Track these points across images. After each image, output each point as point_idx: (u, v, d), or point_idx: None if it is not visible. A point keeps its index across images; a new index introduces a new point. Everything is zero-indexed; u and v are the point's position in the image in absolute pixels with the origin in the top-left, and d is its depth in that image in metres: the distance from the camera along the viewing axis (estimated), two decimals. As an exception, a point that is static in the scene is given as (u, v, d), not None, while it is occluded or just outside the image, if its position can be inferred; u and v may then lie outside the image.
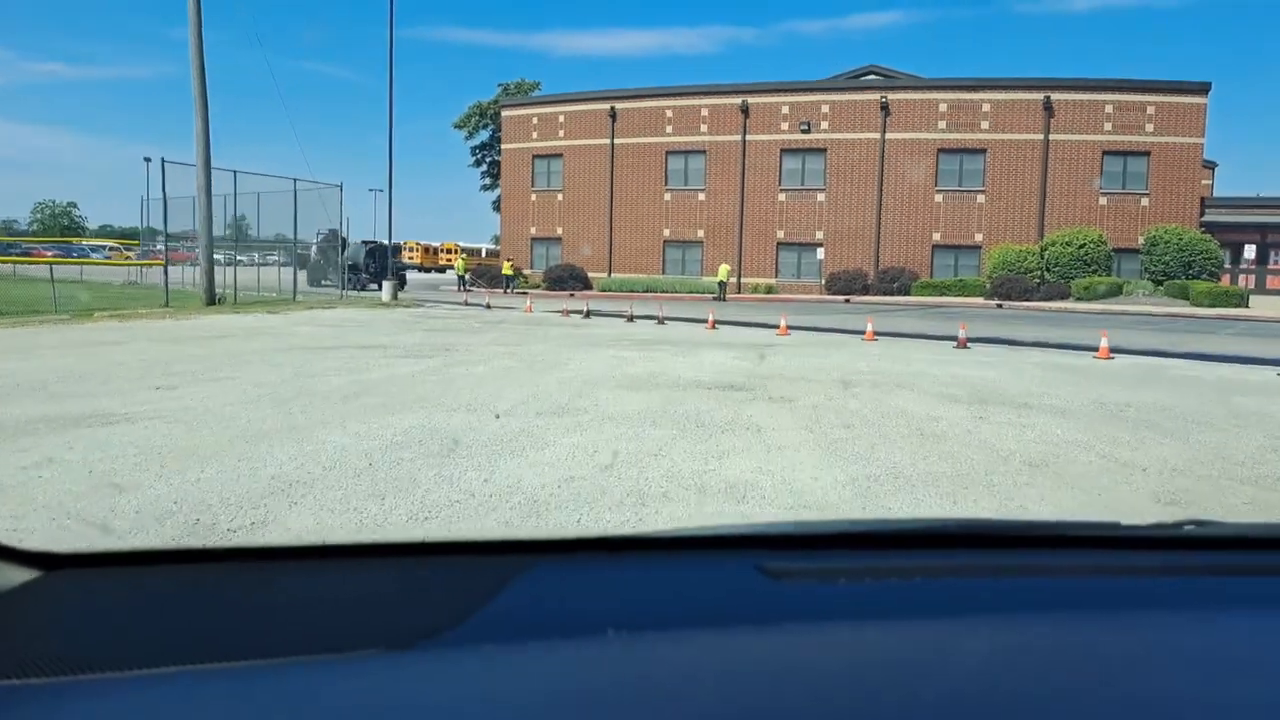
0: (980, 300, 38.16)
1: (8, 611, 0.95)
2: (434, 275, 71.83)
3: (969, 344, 17.82)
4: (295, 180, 30.92)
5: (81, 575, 1.05)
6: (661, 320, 24.11)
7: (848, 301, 39.41)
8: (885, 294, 40.88)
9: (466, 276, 49.08)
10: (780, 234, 44.18)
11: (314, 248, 54.56)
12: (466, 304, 31.44)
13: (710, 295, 42.57)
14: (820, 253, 42.62)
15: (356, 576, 1.07)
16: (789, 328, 21.04)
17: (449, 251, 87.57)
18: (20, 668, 0.80)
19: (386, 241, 53.04)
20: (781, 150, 43.91)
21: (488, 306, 29.97)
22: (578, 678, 0.82)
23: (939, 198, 42.00)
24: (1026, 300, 37.06)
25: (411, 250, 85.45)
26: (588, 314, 26.46)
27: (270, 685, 0.79)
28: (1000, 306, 36.11)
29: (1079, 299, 36.87)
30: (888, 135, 42.20)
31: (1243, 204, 42.05)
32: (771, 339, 19.43)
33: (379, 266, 46.78)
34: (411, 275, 71.44)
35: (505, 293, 44.87)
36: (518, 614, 0.94)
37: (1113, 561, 1.21)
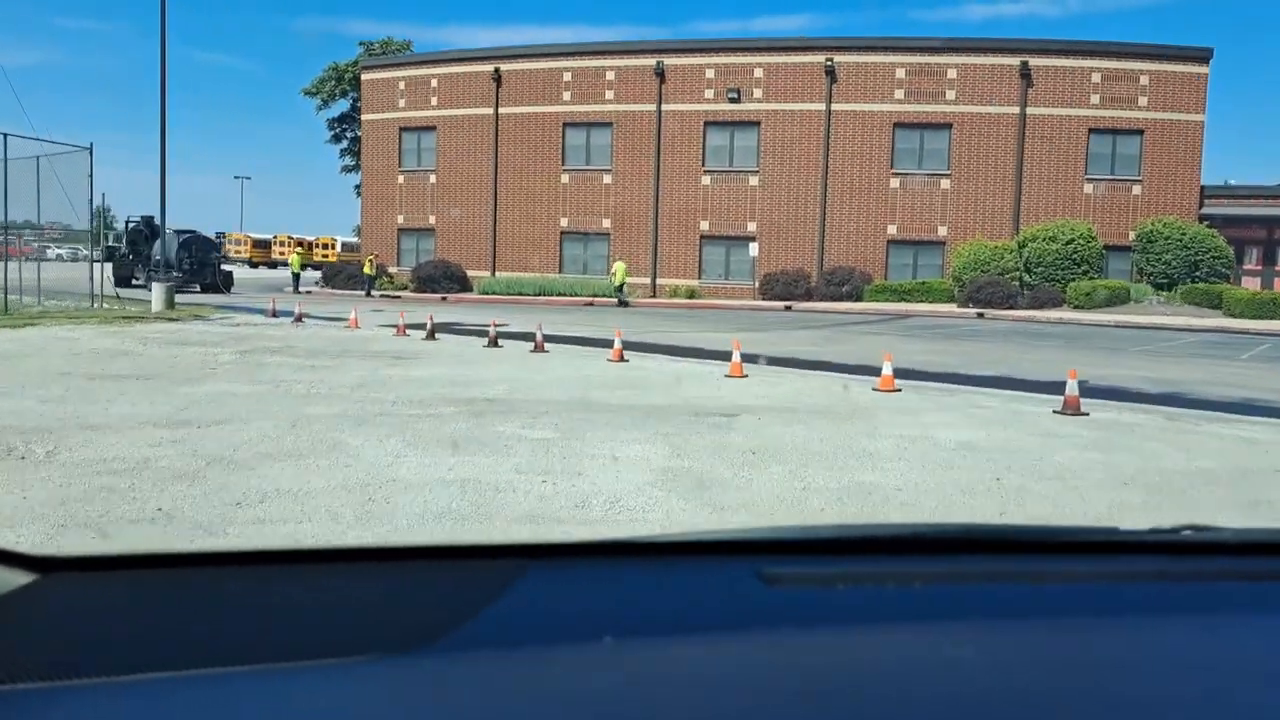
0: (952, 308, 30.66)
1: (2, 615, 0.95)
2: (274, 273, 61.59)
3: (1080, 402, 9.81)
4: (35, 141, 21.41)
5: (77, 579, 1.04)
6: (539, 345, 15.65)
7: (789, 309, 31.51)
8: (832, 299, 33.12)
9: (302, 275, 39.71)
10: (704, 225, 36.07)
11: (124, 239, 44.40)
12: (274, 314, 22.42)
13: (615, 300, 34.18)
14: (753, 248, 34.68)
15: (352, 581, 1.05)
16: (742, 360, 12.75)
17: (309, 246, 77.46)
18: (13, 672, 0.80)
19: (157, 225, 43.35)
20: (706, 123, 35.81)
21: (298, 320, 21.02)
22: (574, 683, 0.82)
23: (895, 182, 34.46)
24: (1010, 308, 29.71)
25: (239, 243, 74.99)
26: (432, 333, 17.81)
27: (265, 690, 0.79)
28: (982, 316, 28.64)
29: (1076, 306, 29.65)
30: (834, 106, 34.47)
31: (1246, 194, 35.62)
32: (724, 392, 11.12)
33: (196, 262, 37.14)
34: (242, 273, 61.45)
35: (367, 296, 35.76)
36: (514, 619, 0.94)
37: (1111, 567, 1.22)
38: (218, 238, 40.78)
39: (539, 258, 37.88)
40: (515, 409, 9.39)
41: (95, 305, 22.86)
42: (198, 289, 37.06)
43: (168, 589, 1.02)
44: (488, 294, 36.52)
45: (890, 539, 1.25)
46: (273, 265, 73.94)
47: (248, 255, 76.98)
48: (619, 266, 33.82)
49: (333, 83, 49.61)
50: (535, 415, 8.94)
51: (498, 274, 38.48)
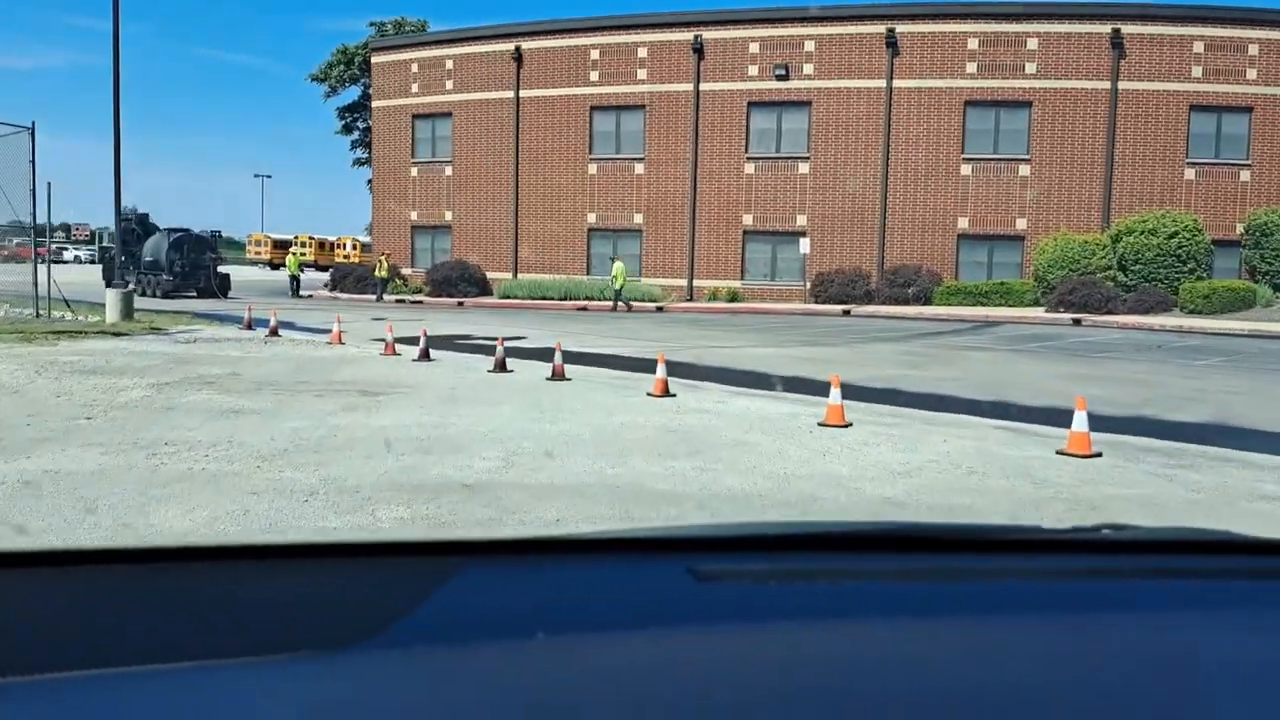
0: (1040, 313, 26.57)
1: None
2: (311, 275, 57.75)
3: None
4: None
5: None
6: (558, 371, 11.91)
7: (847, 314, 27.56)
8: (896, 302, 29.12)
9: (301, 277, 36.30)
10: (748, 219, 32.17)
11: (107, 237, 41.13)
12: (249, 326, 18.82)
13: (652, 304, 30.39)
14: (804, 245, 30.73)
15: (281, 578, 1.04)
16: (841, 397, 8.89)
17: (329, 246, 74.36)
18: None
19: (151, 222, 39.53)
20: (749, 104, 31.90)
21: (272, 333, 17.39)
22: (507, 679, 0.82)
23: (967, 169, 30.39)
24: (1109, 313, 25.58)
25: (259, 244, 71.90)
26: (425, 353, 14.10)
27: (192, 689, 0.78)
28: (1079, 323, 24.57)
29: (1190, 311, 25.47)
30: (896, 82, 30.45)
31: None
32: (837, 465, 7.23)
33: (188, 264, 33.71)
34: (259, 275, 58.22)
35: (378, 300, 32.25)
36: (446, 616, 0.93)
37: (1033, 565, 1.24)
38: (213, 236, 37.32)
39: (564, 257, 34.15)
40: (509, 508, 5.62)
41: (39, 315, 19.36)
42: (193, 293, 33.68)
43: (87, 587, 0.98)
44: (508, 298, 32.86)
45: (822, 536, 1.25)
46: (300, 266, 70.95)
47: (268, 256, 74.09)
48: (618, 267, 29.98)
49: (341, 67, 45.99)
50: (543, 525, 5.17)
51: (519, 276, 34.79)
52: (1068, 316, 25.27)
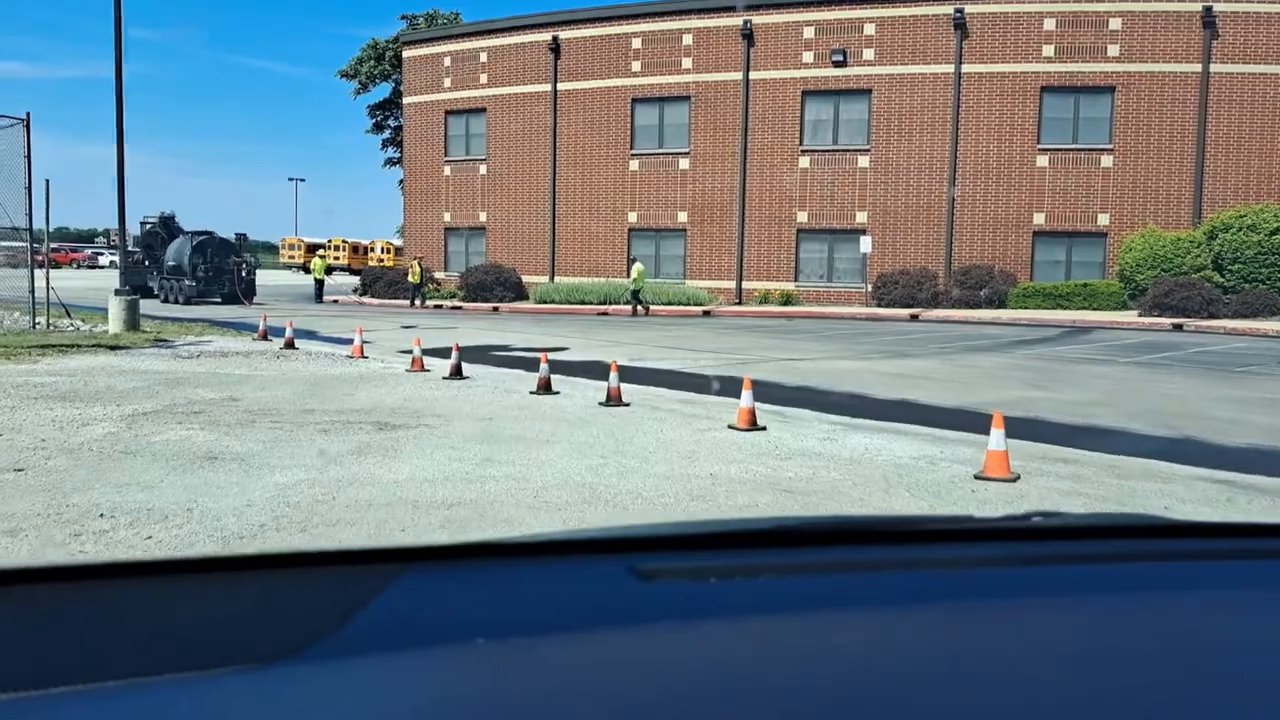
0: (1134, 318, 24.13)
1: None
2: (327, 279, 55.99)
3: None
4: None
5: None
6: (614, 394, 9.84)
7: (915, 318, 25.28)
8: (967, 305, 26.80)
9: (326, 281, 34.60)
10: (802, 216, 29.96)
11: (132, 240, 39.64)
12: (264, 336, 16.94)
13: (698, 308, 28.29)
14: (865, 243, 28.46)
15: (215, 592, 1.01)
16: (1004, 439, 6.66)
17: (363, 250, 72.92)
18: None
19: (176, 224, 37.68)
20: (804, 93, 29.70)
21: (288, 344, 15.51)
22: (447, 686, 0.81)
23: (1043, 160, 27.98)
24: (1211, 317, 23.12)
25: (292, 248, 70.54)
26: (457, 369, 12.12)
27: (124, 708, 0.76)
28: (1180, 329, 22.14)
29: (1305, 315, 22.94)
30: (965, 67, 28.12)
31: None
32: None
33: (212, 268, 32.05)
34: (293, 280, 56.81)
35: (412, 306, 30.46)
36: (384, 625, 0.91)
37: (967, 553, 1.25)
38: (238, 239, 35.67)
39: (604, 259, 32.12)
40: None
41: (37, 325, 17.62)
42: (218, 299, 32.04)
43: (10, 607, 0.96)
44: (545, 303, 30.89)
45: (762, 532, 1.26)
46: (329, 270, 69.86)
47: (301, 260, 72.91)
48: (637, 269, 27.92)
49: (371, 62, 44.23)
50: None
51: (557, 279, 32.82)
52: (1166, 322, 22.82)
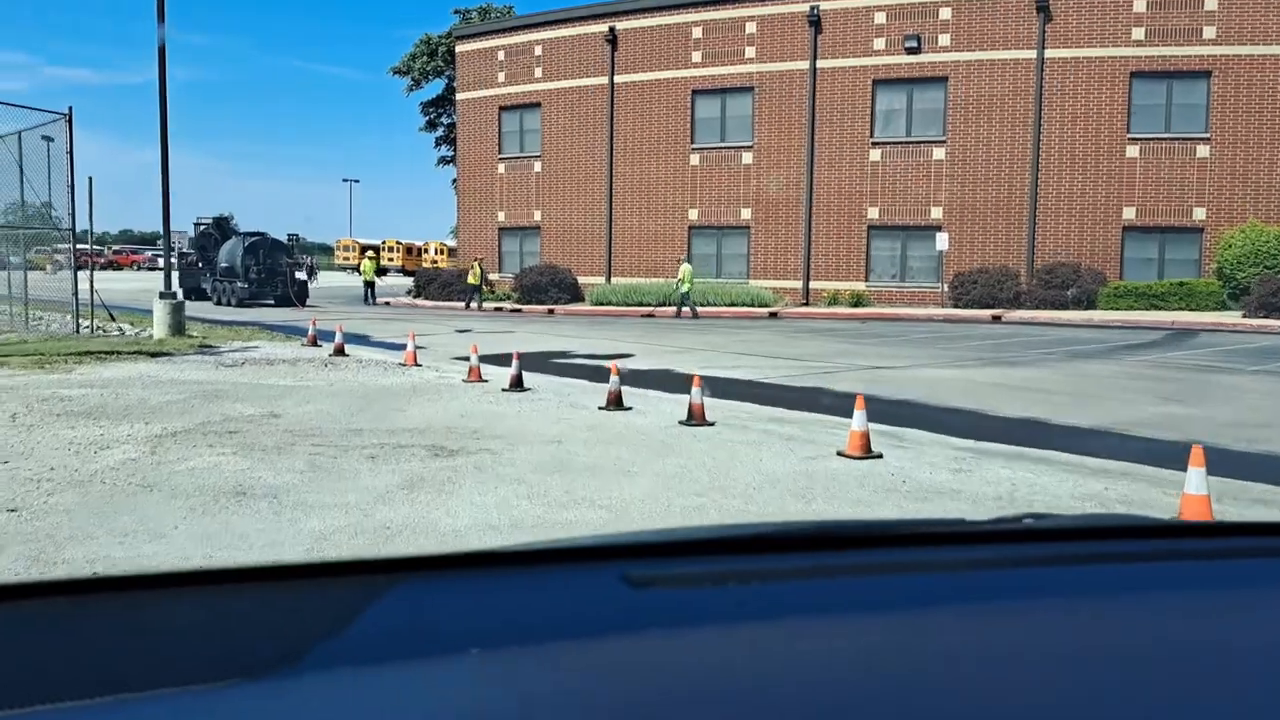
0: (1238, 319, 22.38)
1: None
2: (380, 281, 55.16)
3: None
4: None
5: None
6: (698, 412, 8.66)
7: (997, 320, 23.73)
8: (1052, 305, 25.17)
9: (377, 284, 33.89)
10: (873, 212, 28.51)
11: (186, 241, 39.38)
12: (314, 342, 16.03)
13: (763, 309, 27.01)
14: (941, 240, 26.94)
15: (208, 604, 1.01)
16: (1204, 483, 5.33)
17: (416, 251, 72.76)
18: None
19: (230, 225, 36.97)
20: (875, 81, 28.25)
21: (337, 351, 14.59)
22: (440, 698, 0.80)
23: (1133, 150, 26.22)
24: (1325, 317, 21.27)
25: (347, 249, 70.32)
26: (517, 381, 11.03)
27: None
28: (1293, 330, 20.37)
29: None
30: (1048, 52, 26.46)
31: None
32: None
33: (264, 270, 31.48)
34: (346, 281, 56.58)
35: (468, 309, 29.65)
36: (377, 636, 0.90)
37: (959, 556, 1.25)
38: (291, 240, 35.14)
39: (663, 259, 30.93)
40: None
41: (80, 330, 16.92)
42: (270, 301, 31.47)
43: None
44: (601, 304, 29.83)
45: (754, 538, 1.25)
46: (383, 272, 69.96)
47: (355, 262, 72.89)
48: (685, 269, 26.72)
49: (424, 58, 43.46)
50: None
51: (613, 280, 31.73)
52: (1276, 323, 21.03)
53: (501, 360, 13.72)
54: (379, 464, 6.85)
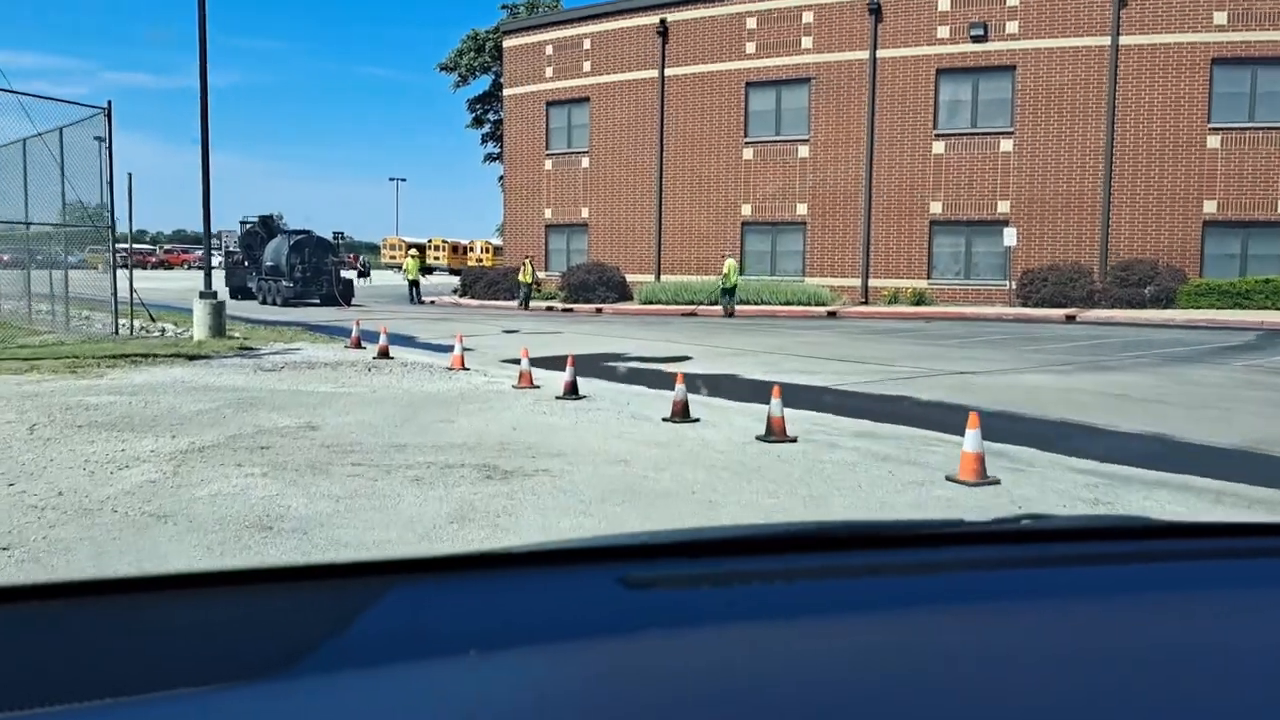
0: (1333, 318, 20.90)
1: None
2: (426, 279, 54.28)
3: None
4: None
5: None
6: (778, 427, 7.73)
7: (1071, 320, 22.49)
8: (1128, 304, 23.85)
9: (421, 282, 33.33)
10: (936, 207, 27.34)
11: (233, 240, 39.13)
12: (357, 344, 15.34)
13: (821, 308, 26.00)
14: (1009, 235, 25.71)
15: (207, 606, 1.01)
16: None
17: (462, 250, 72.48)
18: None
19: (276, 224, 36.45)
20: (938, 71, 27.07)
21: (381, 353, 13.89)
22: (439, 700, 0.80)
23: (1214, 141, 24.79)
24: None
25: (393, 248, 70.10)
26: (572, 388, 10.21)
27: None
28: (1399, 331, 18.92)
29: None
30: (1123, 39, 25.11)
31: None
32: None
33: (310, 268, 31.04)
34: (393, 280, 56.34)
35: (522, 308, 28.99)
36: (376, 638, 0.90)
37: (958, 557, 1.25)
38: (336, 238, 34.70)
39: (714, 256, 29.98)
40: None
41: (119, 330, 16.40)
42: (316, 300, 31.01)
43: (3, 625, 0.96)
44: (650, 303, 28.99)
45: (751, 540, 1.24)
46: (429, 270, 69.86)
47: (401, 260, 72.86)
48: (730, 265, 25.86)
49: (471, 54, 42.86)
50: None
51: (663, 278, 30.86)
52: (1379, 323, 19.60)
53: (553, 364, 12.91)
54: (425, 489, 6.04)
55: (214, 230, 49.97)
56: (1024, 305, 25.05)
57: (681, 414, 8.68)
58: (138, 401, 9.34)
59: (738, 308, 26.18)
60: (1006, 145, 26.38)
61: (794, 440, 7.66)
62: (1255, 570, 1.22)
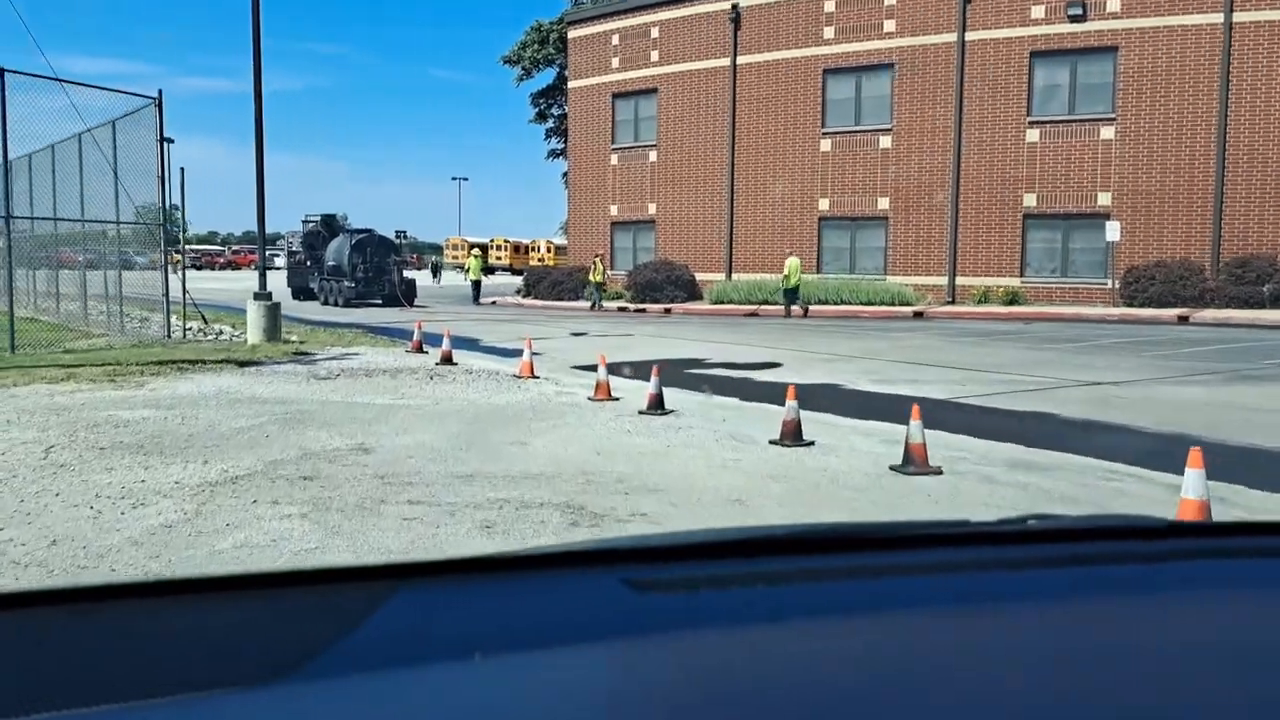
0: None
1: None
2: (488, 279, 53.05)
3: None
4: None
5: None
6: (918, 458, 6.37)
7: (1184, 320, 20.65)
8: (1246, 304, 21.91)
9: (483, 282, 32.40)
10: (1030, 199, 25.57)
11: (296, 240, 38.58)
12: (419, 348, 14.28)
13: (906, 308, 24.45)
14: (1111, 229, 23.87)
15: (205, 613, 1.00)
16: None
17: (523, 249, 71.82)
18: None
19: (339, 223, 35.71)
20: (1032, 54, 25.30)
21: (444, 359, 12.84)
22: (445, 703, 0.80)
23: (1343, 124, 22.65)
24: None
25: (456, 248, 69.52)
26: (657, 402, 8.97)
27: None
28: None
29: None
30: (1237, 15, 23.12)
31: None
32: None
33: (372, 268, 30.29)
34: (454, 279, 55.83)
35: (594, 309, 27.95)
36: (380, 642, 0.90)
37: (962, 557, 1.24)
38: (398, 237, 33.96)
39: (788, 254, 28.55)
40: None
41: (171, 334, 15.57)
42: (378, 301, 30.26)
43: (4, 630, 0.95)
44: (721, 302, 27.69)
45: (753, 541, 1.23)
46: (490, 270, 69.39)
47: (463, 260, 72.50)
48: (792, 264, 24.49)
49: (535, 46, 41.83)
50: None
51: (734, 276, 29.50)
52: None
53: (629, 371, 11.71)
54: (499, 540, 4.85)
55: (280, 232, 49.43)
56: (1128, 305, 23.20)
57: (793, 436, 7.39)
58: (173, 417, 8.33)
59: (811, 307, 24.76)
60: (1107, 132, 24.51)
61: (938, 472, 6.33)
62: (1258, 570, 1.21)
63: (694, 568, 1.15)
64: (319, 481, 6.07)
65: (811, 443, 7.35)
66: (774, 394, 10.27)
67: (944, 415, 8.74)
